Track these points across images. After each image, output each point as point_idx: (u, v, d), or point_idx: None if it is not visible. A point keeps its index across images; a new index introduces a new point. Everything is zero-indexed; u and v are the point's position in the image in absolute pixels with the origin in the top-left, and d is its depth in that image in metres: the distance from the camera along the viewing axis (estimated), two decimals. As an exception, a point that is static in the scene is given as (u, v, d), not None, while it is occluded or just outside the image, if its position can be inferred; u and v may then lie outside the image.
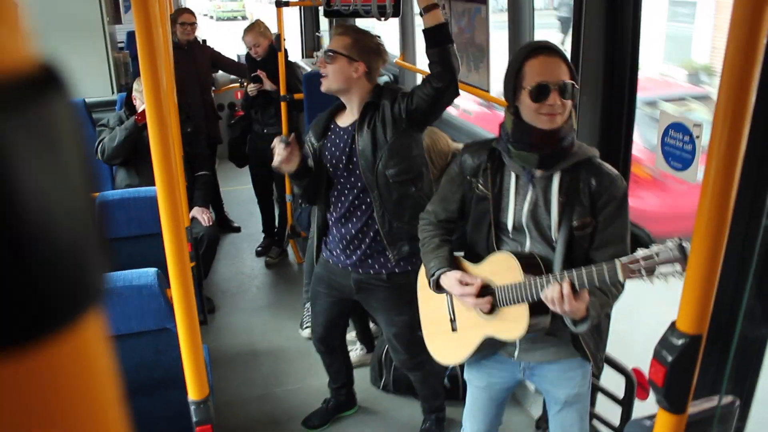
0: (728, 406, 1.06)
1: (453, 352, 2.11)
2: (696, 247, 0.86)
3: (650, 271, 1.53)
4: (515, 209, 1.89)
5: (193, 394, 1.32)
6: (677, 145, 2.22)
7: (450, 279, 1.96)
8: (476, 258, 1.99)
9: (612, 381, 2.48)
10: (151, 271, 2.26)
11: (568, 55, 1.89)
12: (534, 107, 1.77)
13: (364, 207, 2.54)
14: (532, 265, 1.83)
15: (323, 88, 2.50)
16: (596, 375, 2.00)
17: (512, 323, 1.86)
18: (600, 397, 2.60)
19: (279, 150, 2.42)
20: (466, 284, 1.92)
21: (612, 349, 2.37)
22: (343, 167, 2.53)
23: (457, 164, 2.02)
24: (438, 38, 2.30)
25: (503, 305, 1.87)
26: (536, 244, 1.89)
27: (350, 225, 2.57)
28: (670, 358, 0.93)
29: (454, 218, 2.08)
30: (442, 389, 3.05)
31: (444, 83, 2.32)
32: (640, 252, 1.54)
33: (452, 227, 2.11)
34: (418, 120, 2.45)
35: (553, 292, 1.69)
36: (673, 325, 0.93)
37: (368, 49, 2.49)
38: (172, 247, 1.13)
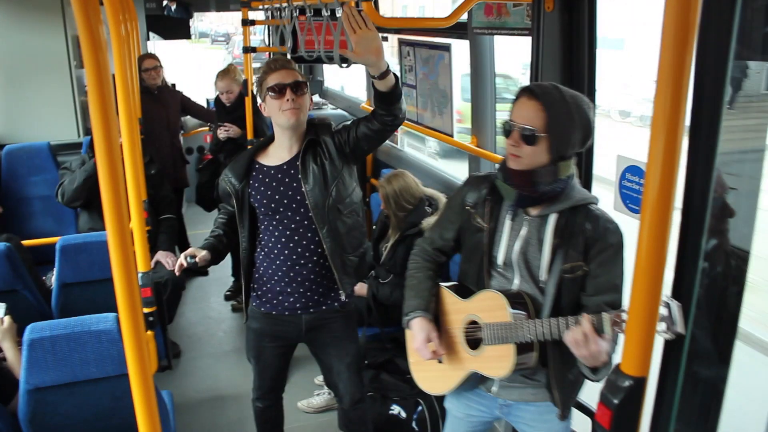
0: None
1: (438, 383, 2.12)
2: (636, 288, 0.88)
3: None
4: (507, 245, 1.90)
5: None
6: (634, 188, 2.27)
7: (418, 328, 2.00)
8: (465, 289, 2.01)
9: (580, 424, 2.47)
10: (111, 316, 2.22)
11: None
12: (505, 143, 1.83)
13: (307, 244, 2.46)
14: (519, 304, 1.84)
15: (295, 122, 2.39)
16: (563, 419, 2.00)
17: (498, 361, 1.87)
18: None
19: (182, 263, 2.45)
20: (429, 341, 1.97)
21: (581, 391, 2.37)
22: (284, 206, 2.44)
23: (460, 194, 2.04)
24: (391, 99, 2.25)
25: (490, 343, 1.87)
26: (524, 282, 1.89)
27: (295, 265, 2.48)
28: (615, 401, 0.94)
29: (448, 247, 2.11)
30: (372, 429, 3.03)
31: (396, 123, 2.33)
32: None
33: (443, 259, 2.14)
34: (361, 151, 2.45)
35: (576, 333, 1.64)
36: (617, 367, 0.95)
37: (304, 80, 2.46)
38: (122, 292, 1.12)
